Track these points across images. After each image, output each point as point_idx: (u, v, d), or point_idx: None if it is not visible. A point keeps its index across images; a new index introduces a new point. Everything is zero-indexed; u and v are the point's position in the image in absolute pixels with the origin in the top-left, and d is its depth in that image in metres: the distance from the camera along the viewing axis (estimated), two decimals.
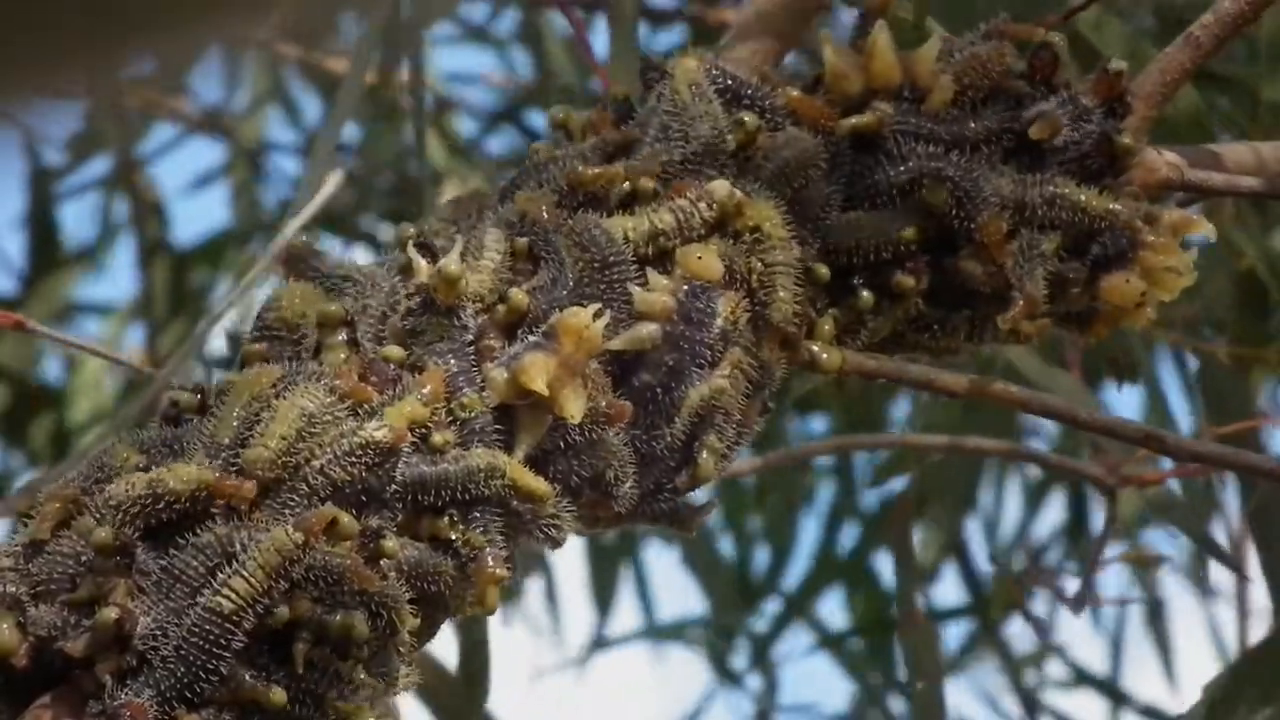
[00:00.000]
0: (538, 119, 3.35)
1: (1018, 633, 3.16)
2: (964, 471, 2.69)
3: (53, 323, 3.40)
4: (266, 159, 3.41)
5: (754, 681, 3.20)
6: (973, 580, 2.92)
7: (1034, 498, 3.09)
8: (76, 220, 3.38)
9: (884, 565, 3.18)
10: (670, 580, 5.23)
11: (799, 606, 3.14)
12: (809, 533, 3.24)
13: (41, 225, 3.31)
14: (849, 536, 3.15)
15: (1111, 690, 3.07)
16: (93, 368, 3.40)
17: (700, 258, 1.16)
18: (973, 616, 3.01)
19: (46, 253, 3.33)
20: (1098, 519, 2.97)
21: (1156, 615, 2.86)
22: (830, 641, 3.12)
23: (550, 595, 3.23)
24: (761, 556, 3.20)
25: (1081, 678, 3.05)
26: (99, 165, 3.35)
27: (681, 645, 3.29)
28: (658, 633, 3.25)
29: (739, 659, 3.20)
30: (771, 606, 3.20)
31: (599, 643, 3.21)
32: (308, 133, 3.33)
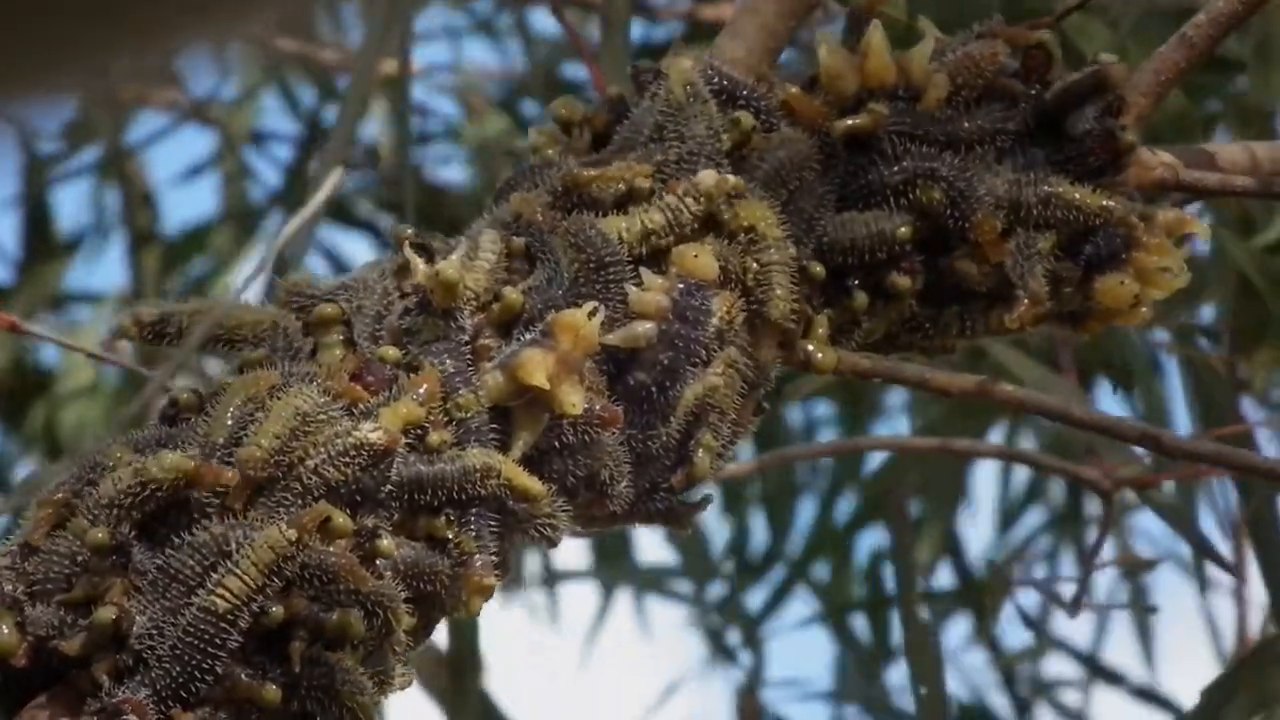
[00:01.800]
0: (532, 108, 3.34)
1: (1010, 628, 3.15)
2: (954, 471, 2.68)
3: (45, 312, 3.40)
4: (257, 148, 3.40)
5: (744, 657, 3.19)
6: (965, 573, 2.91)
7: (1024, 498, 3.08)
8: (70, 208, 3.37)
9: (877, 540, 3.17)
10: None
11: (798, 573, 3.12)
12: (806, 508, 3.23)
13: (35, 213, 3.30)
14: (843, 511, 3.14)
15: (1106, 673, 3.04)
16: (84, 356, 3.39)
17: (696, 256, 1.16)
18: (965, 608, 3.00)
19: (40, 241, 3.32)
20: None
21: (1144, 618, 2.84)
22: (826, 615, 3.11)
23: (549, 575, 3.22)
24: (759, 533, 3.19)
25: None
26: (91, 153, 3.34)
27: (665, 599, 3.26)
28: (640, 579, 3.21)
29: (731, 635, 3.19)
30: (768, 582, 3.18)
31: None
32: (301, 121, 3.32)
